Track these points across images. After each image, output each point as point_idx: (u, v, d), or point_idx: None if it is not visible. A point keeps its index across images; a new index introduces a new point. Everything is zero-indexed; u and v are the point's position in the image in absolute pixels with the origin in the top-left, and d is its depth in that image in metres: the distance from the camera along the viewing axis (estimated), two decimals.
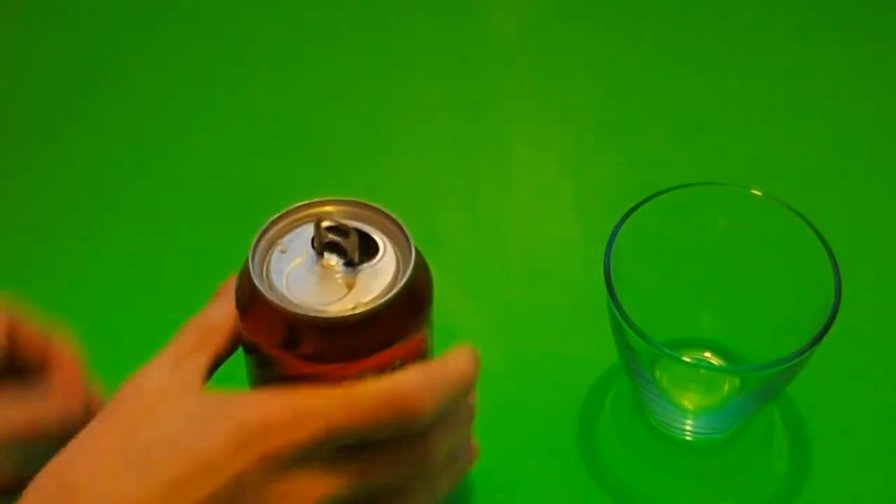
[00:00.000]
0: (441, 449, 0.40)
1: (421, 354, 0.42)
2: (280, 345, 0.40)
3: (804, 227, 0.52)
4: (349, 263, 0.40)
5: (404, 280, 0.39)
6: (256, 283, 0.39)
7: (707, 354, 0.57)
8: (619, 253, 0.51)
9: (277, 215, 0.42)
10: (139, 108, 0.76)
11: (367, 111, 0.76)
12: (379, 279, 0.40)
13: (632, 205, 0.52)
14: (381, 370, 0.40)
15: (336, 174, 0.71)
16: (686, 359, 0.50)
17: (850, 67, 0.78)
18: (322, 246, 0.41)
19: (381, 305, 0.39)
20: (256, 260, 0.41)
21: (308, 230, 0.42)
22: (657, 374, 0.53)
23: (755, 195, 0.53)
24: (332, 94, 0.77)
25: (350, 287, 0.40)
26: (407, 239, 0.41)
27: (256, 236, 0.41)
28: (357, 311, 0.38)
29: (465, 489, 0.54)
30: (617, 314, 0.49)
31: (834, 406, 0.57)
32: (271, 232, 0.42)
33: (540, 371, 0.59)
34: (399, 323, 0.40)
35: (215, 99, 0.77)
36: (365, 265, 0.40)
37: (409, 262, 0.40)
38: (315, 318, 0.38)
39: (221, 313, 0.42)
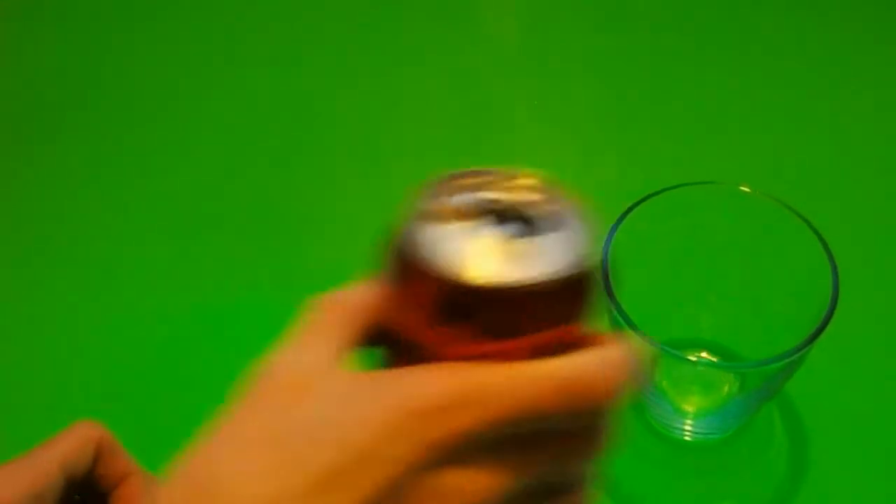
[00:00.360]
0: (606, 438, 0.35)
1: (577, 344, 0.37)
2: (436, 321, 0.35)
3: (803, 226, 0.52)
4: (516, 235, 0.37)
5: (578, 258, 0.36)
6: (415, 252, 0.35)
7: (704, 354, 0.57)
8: (617, 252, 0.51)
9: (435, 182, 0.38)
10: (139, 109, 0.76)
11: (367, 112, 0.75)
12: (549, 254, 0.36)
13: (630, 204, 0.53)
14: (538, 353, 0.35)
15: (336, 175, 0.71)
16: (686, 357, 0.50)
17: (850, 68, 0.78)
18: (487, 216, 0.37)
19: (555, 278, 0.35)
20: (413, 229, 0.37)
21: (469, 199, 0.38)
22: (657, 374, 0.53)
23: (754, 195, 0.53)
24: (332, 95, 0.77)
25: (517, 259, 0.36)
26: (581, 214, 0.38)
27: (414, 203, 0.37)
28: (531, 281, 0.35)
29: None
30: (616, 314, 0.49)
31: (834, 406, 0.57)
32: (429, 200, 0.38)
33: None
34: (566, 304, 0.36)
35: (215, 100, 0.77)
36: (532, 238, 0.37)
37: (585, 239, 0.37)
38: (482, 287, 0.34)
39: (358, 290, 0.37)
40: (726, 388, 0.54)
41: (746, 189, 0.54)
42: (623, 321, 0.48)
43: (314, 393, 0.32)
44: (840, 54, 0.79)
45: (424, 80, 0.78)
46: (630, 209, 0.52)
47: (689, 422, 0.55)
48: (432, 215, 0.37)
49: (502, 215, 0.37)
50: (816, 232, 0.51)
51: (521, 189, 0.38)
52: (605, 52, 0.80)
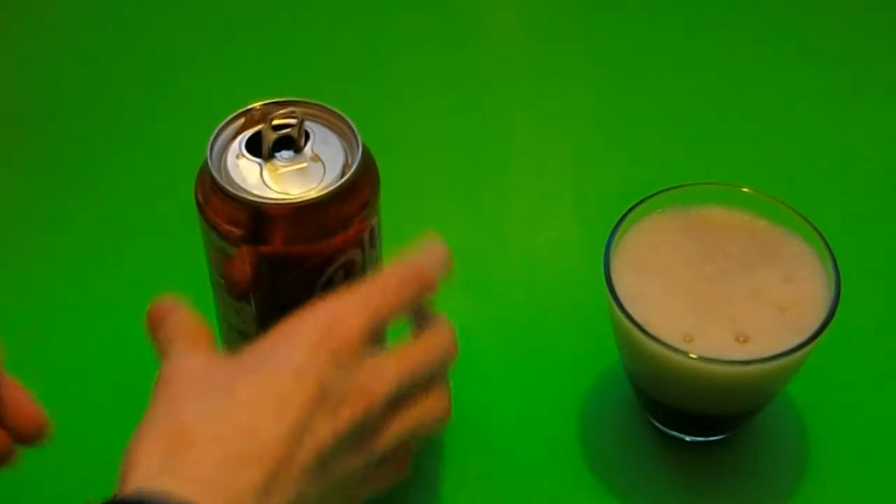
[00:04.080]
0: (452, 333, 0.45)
1: (374, 237, 0.48)
2: (244, 238, 0.44)
3: (804, 226, 0.52)
4: (298, 152, 0.46)
5: (356, 164, 0.46)
6: (220, 181, 0.45)
7: None
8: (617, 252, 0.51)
9: (223, 124, 0.47)
10: (136, 110, 0.76)
11: (366, 113, 0.75)
12: (330, 167, 0.46)
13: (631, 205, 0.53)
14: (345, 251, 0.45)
15: None
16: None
17: (853, 68, 0.78)
18: (273, 143, 0.45)
19: (341, 185, 0.44)
20: (218, 165, 0.46)
21: (248, 135, 0.47)
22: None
23: (754, 195, 0.53)
24: (331, 96, 0.76)
25: (305, 176, 0.45)
26: (352, 129, 0.48)
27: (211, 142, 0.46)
28: (322, 193, 0.44)
29: (465, 491, 0.54)
30: (619, 313, 0.49)
31: (835, 406, 0.57)
32: (225, 138, 0.47)
33: (540, 371, 0.59)
34: (355, 203, 0.46)
35: (212, 101, 0.76)
36: (314, 154, 0.46)
37: (358, 149, 0.47)
38: (284, 203, 0.43)
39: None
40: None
41: (746, 189, 0.54)
42: (626, 320, 0.48)
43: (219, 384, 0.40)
44: (842, 54, 0.79)
45: (424, 79, 0.78)
46: (631, 209, 0.52)
47: (689, 422, 0.55)
48: (227, 152, 0.46)
49: (284, 141, 0.46)
50: (817, 231, 0.51)
51: (298, 115, 0.47)
52: (605, 51, 0.80)
